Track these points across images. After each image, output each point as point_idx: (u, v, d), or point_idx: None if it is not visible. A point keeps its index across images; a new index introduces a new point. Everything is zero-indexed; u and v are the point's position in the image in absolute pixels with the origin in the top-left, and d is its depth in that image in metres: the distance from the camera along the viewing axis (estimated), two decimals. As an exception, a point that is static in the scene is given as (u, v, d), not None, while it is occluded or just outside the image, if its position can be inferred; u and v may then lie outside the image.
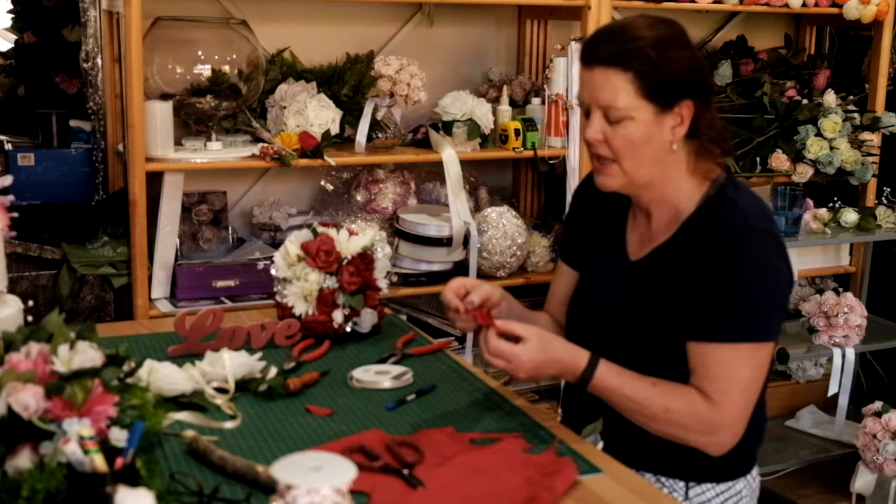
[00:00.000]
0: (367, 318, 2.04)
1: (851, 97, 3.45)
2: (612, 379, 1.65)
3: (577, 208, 1.95)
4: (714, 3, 3.21)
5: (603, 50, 1.65)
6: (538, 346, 1.62)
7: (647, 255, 1.76)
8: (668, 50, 1.63)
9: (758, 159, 3.29)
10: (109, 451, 1.19)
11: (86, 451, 1.17)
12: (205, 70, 2.68)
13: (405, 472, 1.43)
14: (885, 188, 3.45)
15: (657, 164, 1.69)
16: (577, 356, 1.66)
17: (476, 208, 3.03)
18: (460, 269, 2.89)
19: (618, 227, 1.84)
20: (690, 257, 1.67)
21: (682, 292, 1.67)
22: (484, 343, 1.64)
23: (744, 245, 1.63)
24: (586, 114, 1.70)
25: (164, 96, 2.65)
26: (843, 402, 3.26)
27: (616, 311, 1.76)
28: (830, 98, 3.37)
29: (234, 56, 2.73)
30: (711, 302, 1.63)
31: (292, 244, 2.03)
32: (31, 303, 1.61)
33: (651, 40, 1.63)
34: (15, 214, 1.60)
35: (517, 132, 2.96)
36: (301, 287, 1.99)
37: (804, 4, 3.32)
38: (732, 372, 1.62)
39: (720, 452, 1.66)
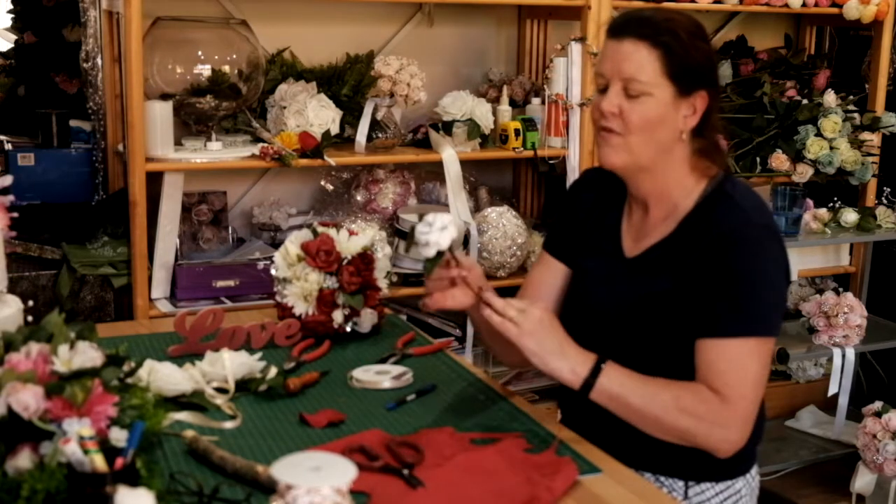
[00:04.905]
0: (367, 318, 2.04)
1: (851, 97, 3.45)
2: (617, 383, 1.61)
3: (572, 204, 1.93)
4: (714, 3, 3.21)
5: (635, 25, 1.68)
6: (547, 316, 1.62)
7: (644, 252, 1.76)
8: (696, 38, 1.69)
9: (758, 159, 3.29)
10: (109, 451, 1.19)
11: (86, 451, 1.17)
12: (205, 70, 2.68)
13: (405, 472, 1.43)
14: (885, 188, 3.44)
15: (663, 149, 1.69)
16: (585, 353, 1.63)
17: (476, 208, 3.03)
18: (460, 269, 2.89)
19: (612, 226, 1.83)
20: (692, 254, 1.67)
21: (684, 289, 1.67)
22: (488, 301, 1.61)
23: (746, 241, 1.64)
24: (603, 89, 1.70)
25: (164, 96, 2.65)
26: (843, 402, 3.25)
27: (615, 310, 1.76)
28: (830, 98, 3.37)
29: (234, 56, 2.73)
30: (716, 298, 1.63)
31: (292, 244, 2.03)
32: (31, 303, 1.61)
33: (684, 24, 1.68)
34: (15, 214, 1.61)
35: (517, 132, 2.96)
36: (301, 287, 1.99)
37: (804, 4, 3.32)
38: (741, 366, 1.61)
39: (728, 449, 1.62)
